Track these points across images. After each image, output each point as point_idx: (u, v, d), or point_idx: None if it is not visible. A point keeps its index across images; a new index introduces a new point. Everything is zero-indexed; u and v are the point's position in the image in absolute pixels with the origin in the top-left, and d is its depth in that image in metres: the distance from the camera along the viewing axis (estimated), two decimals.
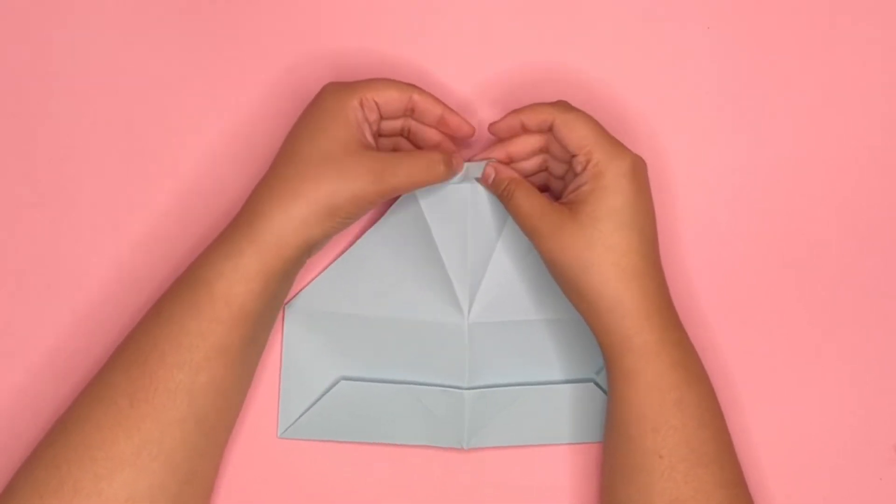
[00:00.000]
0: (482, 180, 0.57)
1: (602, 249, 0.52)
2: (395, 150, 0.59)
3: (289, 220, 0.52)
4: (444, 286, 0.59)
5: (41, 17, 0.63)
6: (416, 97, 0.56)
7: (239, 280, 0.52)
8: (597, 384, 0.59)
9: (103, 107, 0.62)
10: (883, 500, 0.60)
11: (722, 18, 0.63)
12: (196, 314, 0.52)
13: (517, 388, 0.59)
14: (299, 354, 0.59)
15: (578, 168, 0.55)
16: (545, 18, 0.63)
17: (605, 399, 0.59)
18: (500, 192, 0.56)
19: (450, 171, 0.56)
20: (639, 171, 0.54)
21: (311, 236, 0.53)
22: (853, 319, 0.62)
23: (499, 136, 0.58)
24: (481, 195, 0.58)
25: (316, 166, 0.52)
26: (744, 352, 0.61)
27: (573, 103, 0.57)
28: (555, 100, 0.57)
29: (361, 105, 0.54)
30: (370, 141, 0.55)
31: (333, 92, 0.55)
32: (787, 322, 0.62)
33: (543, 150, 0.58)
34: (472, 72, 0.63)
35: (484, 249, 0.58)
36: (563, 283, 0.54)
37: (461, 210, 0.58)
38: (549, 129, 0.56)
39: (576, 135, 0.54)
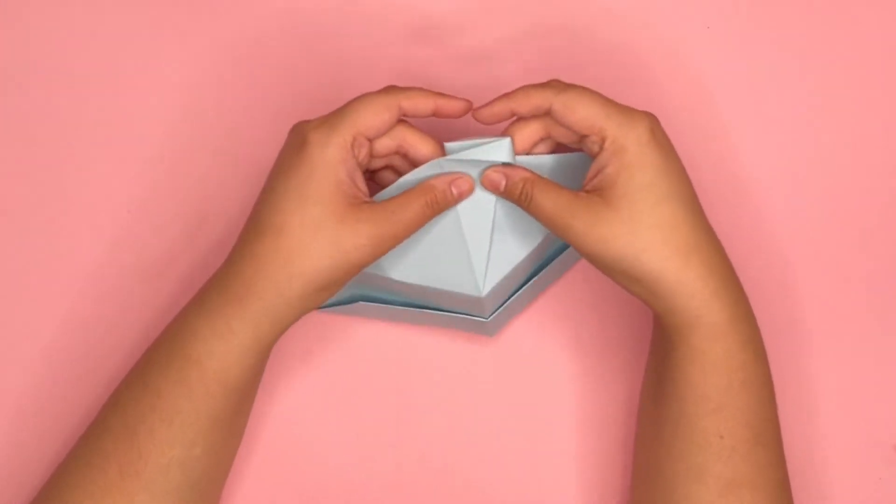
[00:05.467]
0: (489, 187, 0.52)
1: (648, 231, 0.48)
2: (387, 164, 0.55)
3: (284, 301, 0.49)
4: (462, 261, 0.55)
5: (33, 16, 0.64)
6: (405, 104, 0.51)
7: (232, 358, 0.49)
8: None
9: (103, 106, 0.63)
10: (883, 501, 0.60)
11: (722, 17, 0.64)
12: (187, 394, 0.49)
13: (527, 285, 0.58)
14: None
15: (594, 149, 0.50)
16: (545, 16, 0.64)
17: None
18: (517, 197, 0.51)
19: (451, 203, 0.52)
20: (658, 132, 0.50)
21: (306, 310, 0.50)
22: (853, 319, 0.61)
23: (485, 123, 0.53)
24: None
25: (308, 241, 0.48)
26: None
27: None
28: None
29: (352, 147, 0.50)
30: (362, 190, 0.50)
31: (317, 144, 0.49)
32: (786, 321, 0.61)
33: (546, 136, 0.53)
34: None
35: (487, 221, 0.55)
36: (614, 275, 0.50)
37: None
38: (547, 114, 0.51)
39: (580, 115, 0.50)
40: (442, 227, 0.54)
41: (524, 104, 0.52)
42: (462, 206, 0.53)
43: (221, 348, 0.49)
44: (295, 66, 0.63)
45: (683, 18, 0.64)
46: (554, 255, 0.60)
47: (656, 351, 0.53)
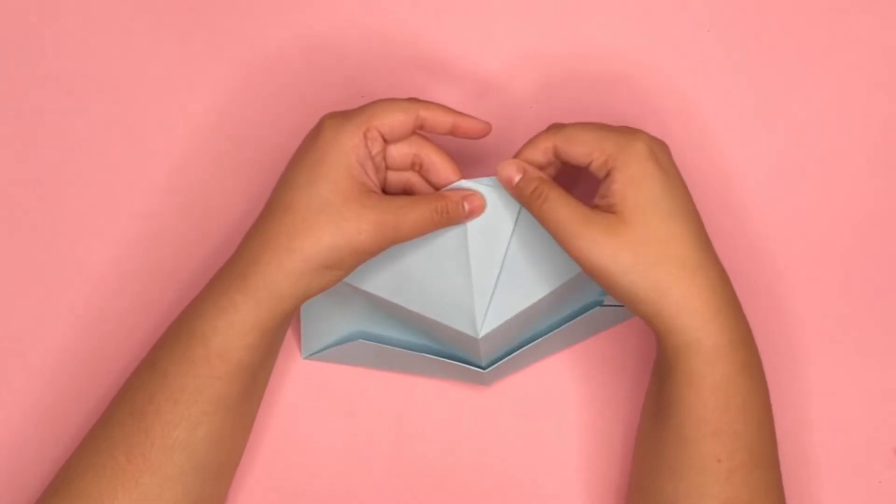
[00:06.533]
0: (504, 181, 0.53)
1: (659, 245, 0.49)
2: (405, 186, 0.55)
3: (284, 275, 0.49)
4: (464, 297, 0.54)
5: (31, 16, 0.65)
6: (423, 113, 0.52)
7: (234, 335, 0.50)
8: (602, 304, 0.58)
9: (103, 106, 0.63)
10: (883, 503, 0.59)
11: (722, 21, 0.64)
12: (192, 371, 0.50)
13: (533, 343, 0.57)
14: (317, 310, 0.58)
15: (601, 174, 0.51)
16: (547, 20, 0.64)
17: (614, 312, 0.58)
18: (530, 194, 0.51)
19: (461, 217, 0.53)
20: (657, 150, 0.51)
21: (309, 289, 0.50)
22: (853, 320, 0.61)
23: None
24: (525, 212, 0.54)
25: (312, 219, 0.49)
26: None
27: (569, 108, 0.57)
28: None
29: (365, 137, 0.51)
30: (373, 181, 0.51)
31: (332, 127, 0.51)
32: (786, 323, 0.61)
33: (554, 161, 0.54)
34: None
35: (494, 261, 0.55)
36: (619, 290, 0.49)
37: (502, 224, 0.54)
38: (555, 155, 0.53)
39: (579, 144, 0.51)
40: (449, 256, 0.54)
41: (535, 153, 0.53)
42: (473, 238, 0.53)
43: (224, 324, 0.50)
44: (300, 78, 0.63)
45: (684, 21, 0.64)
46: (569, 318, 0.58)
47: (657, 372, 0.54)
